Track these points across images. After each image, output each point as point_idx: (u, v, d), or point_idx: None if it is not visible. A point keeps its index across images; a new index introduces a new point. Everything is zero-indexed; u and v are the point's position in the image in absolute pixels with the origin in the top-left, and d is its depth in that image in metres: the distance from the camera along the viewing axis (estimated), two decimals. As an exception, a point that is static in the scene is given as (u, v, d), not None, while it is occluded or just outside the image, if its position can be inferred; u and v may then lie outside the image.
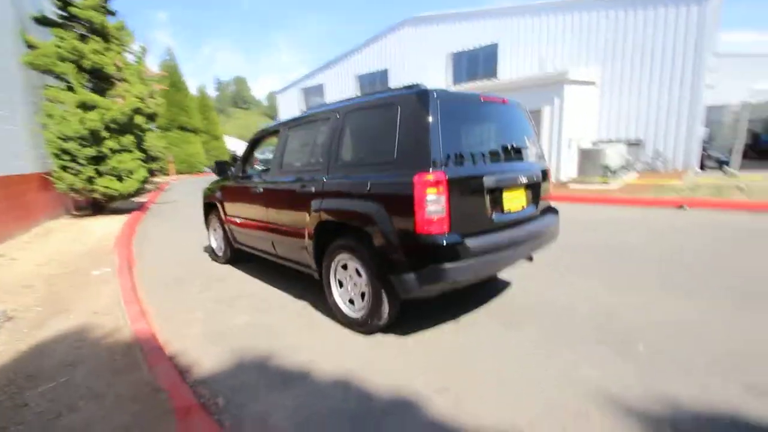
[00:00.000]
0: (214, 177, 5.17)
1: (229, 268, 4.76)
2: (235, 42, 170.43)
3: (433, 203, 2.32)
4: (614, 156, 11.46)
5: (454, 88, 18.33)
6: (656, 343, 2.55)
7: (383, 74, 21.39)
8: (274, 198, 3.60)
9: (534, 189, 3.03)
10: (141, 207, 10.01)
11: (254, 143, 4.29)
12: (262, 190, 3.74)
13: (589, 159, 11.35)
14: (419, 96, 2.47)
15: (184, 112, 25.61)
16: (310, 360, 2.54)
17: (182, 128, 25.70)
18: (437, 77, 19.55)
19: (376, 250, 2.58)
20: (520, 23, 16.71)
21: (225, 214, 4.56)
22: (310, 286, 3.91)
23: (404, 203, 2.38)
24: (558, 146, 12.66)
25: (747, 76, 13.90)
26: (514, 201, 2.81)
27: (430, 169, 2.34)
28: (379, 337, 2.81)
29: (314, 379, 2.33)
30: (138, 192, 8.95)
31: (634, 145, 13.95)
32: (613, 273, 3.93)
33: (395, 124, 2.53)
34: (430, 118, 2.40)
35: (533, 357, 2.47)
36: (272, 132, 4.01)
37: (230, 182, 4.47)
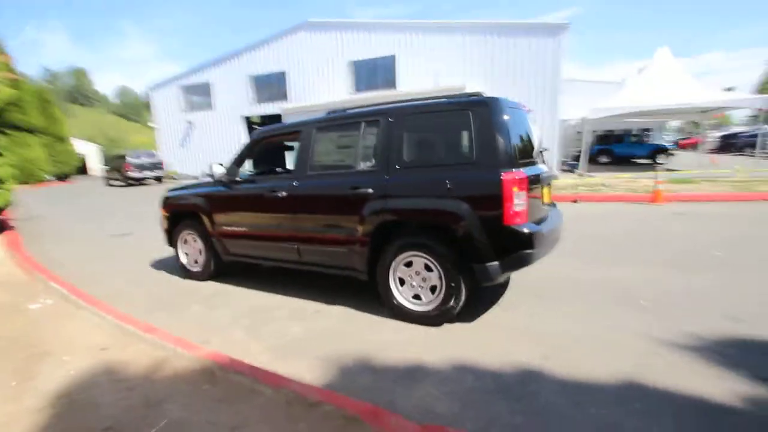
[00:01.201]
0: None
1: (213, 285, 4.28)
2: (70, 25, 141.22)
3: (517, 198, 2.68)
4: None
5: (355, 97, 18.93)
6: (656, 298, 3.37)
7: (281, 77, 20.72)
8: (305, 203, 3.46)
9: (550, 186, 3.64)
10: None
11: (254, 145, 3.99)
12: (284, 195, 3.54)
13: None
14: (493, 103, 2.80)
15: (17, 107, 20.51)
16: (405, 354, 2.63)
17: (15, 127, 20.56)
18: (338, 84, 19.86)
19: (458, 244, 2.81)
20: (415, 39, 18.17)
21: (213, 225, 4.09)
22: (329, 289, 3.87)
23: (491, 199, 2.69)
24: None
25: (587, 97, 17.70)
26: (547, 196, 3.36)
27: (513, 168, 2.70)
28: (447, 327, 3.03)
29: (431, 369, 2.45)
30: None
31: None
32: (579, 254, 4.85)
33: (470, 128, 2.80)
34: (505, 123, 2.76)
35: (578, 318, 3.03)
36: (287, 133, 3.81)
37: (219, 189, 4.05)
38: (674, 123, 38.63)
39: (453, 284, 2.88)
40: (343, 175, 3.32)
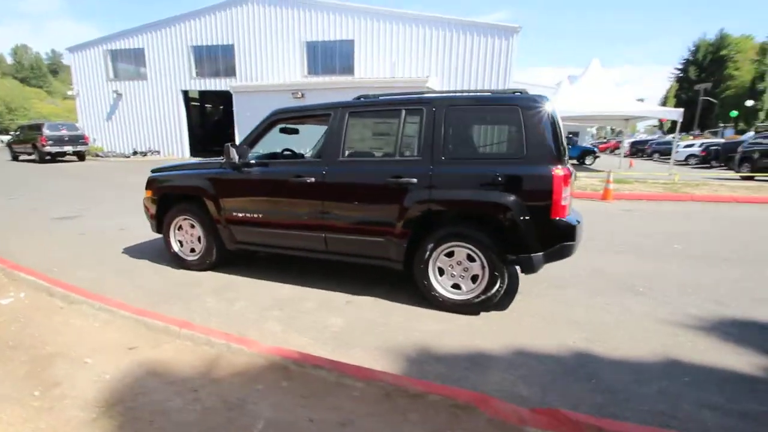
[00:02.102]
0: None
1: (213, 276, 3.96)
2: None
3: (564, 192, 2.84)
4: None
5: (308, 80, 18.32)
6: (646, 284, 3.79)
7: (228, 49, 19.31)
8: (337, 191, 3.33)
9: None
10: None
11: (271, 126, 3.72)
12: (312, 181, 3.37)
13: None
14: (543, 101, 2.92)
15: None
16: (461, 342, 2.69)
17: None
18: (291, 64, 19.04)
19: (505, 235, 2.91)
20: (374, 26, 17.99)
21: (220, 210, 3.76)
22: (350, 278, 3.80)
23: (542, 193, 2.82)
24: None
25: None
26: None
27: (560, 164, 2.85)
28: (485, 315, 3.15)
29: (492, 355, 2.54)
30: None
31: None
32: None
33: (520, 124, 2.90)
34: (554, 120, 2.90)
35: (595, 304, 3.33)
36: (314, 115, 3.60)
37: (227, 172, 3.73)
38: (590, 129, 42.81)
39: (496, 274, 2.99)
40: (382, 163, 3.24)
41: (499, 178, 2.90)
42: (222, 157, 4.08)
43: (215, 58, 19.48)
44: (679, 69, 54.18)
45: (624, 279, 3.96)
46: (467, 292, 3.13)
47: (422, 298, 3.32)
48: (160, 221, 4.16)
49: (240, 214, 3.72)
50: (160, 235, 5.25)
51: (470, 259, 3.08)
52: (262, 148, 4.59)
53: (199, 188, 3.83)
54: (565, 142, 3.01)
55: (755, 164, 13.29)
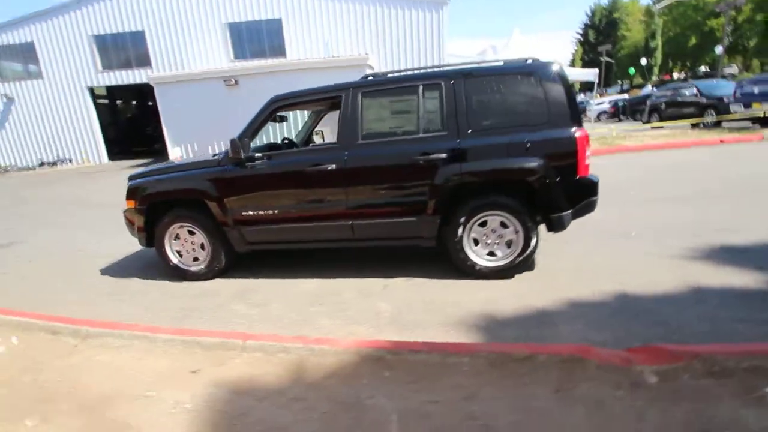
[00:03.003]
0: None
1: (224, 283, 3.69)
2: None
3: (587, 152, 3.04)
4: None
5: (238, 65, 17.11)
6: (629, 229, 4.22)
7: (138, 36, 17.29)
8: (361, 175, 3.22)
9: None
10: None
11: (272, 113, 3.45)
12: (333, 168, 3.22)
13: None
14: (557, 66, 3.05)
15: None
16: (516, 305, 2.82)
17: None
18: (214, 49, 17.61)
19: (536, 198, 3.06)
20: (302, 3, 17.15)
21: (225, 212, 3.46)
22: (371, 263, 3.76)
23: (568, 155, 2.99)
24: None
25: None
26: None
27: (580, 125, 3.03)
28: (520, 277, 3.31)
29: (551, 311, 2.70)
30: None
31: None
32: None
33: (539, 90, 3.02)
34: (569, 85, 3.06)
35: (604, 252, 3.66)
36: (320, 99, 3.40)
37: (228, 169, 3.43)
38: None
39: (530, 236, 3.15)
40: (407, 142, 3.19)
41: (528, 145, 3.01)
42: (215, 154, 3.76)
43: (123, 48, 17.32)
44: (579, 33, 58.88)
45: (610, 227, 4.35)
46: (503, 257, 3.26)
47: (453, 270, 3.40)
48: (151, 233, 3.73)
49: (251, 213, 3.46)
50: (136, 250, 4.79)
51: (503, 225, 3.20)
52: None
53: (200, 190, 3.47)
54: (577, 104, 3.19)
55: (662, 114, 15.10)
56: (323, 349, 2.23)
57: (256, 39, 17.71)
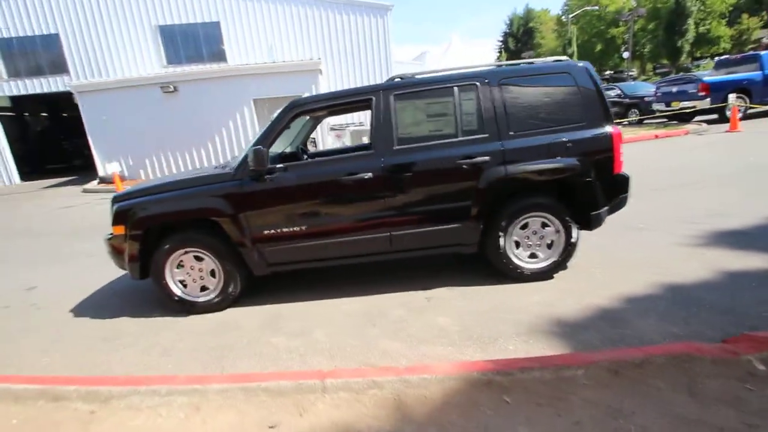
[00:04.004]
0: None
1: (243, 312, 3.25)
2: None
3: (621, 149, 3.12)
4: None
5: (173, 70, 15.78)
6: (636, 220, 4.45)
7: (51, 40, 15.26)
8: (401, 182, 3.00)
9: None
10: None
11: (291, 120, 3.10)
12: (370, 177, 2.97)
13: (361, 136, 13.41)
14: (588, 66, 3.10)
15: None
16: (577, 305, 2.79)
17: None
18: (144, 54, 16.10)
19: (577, 197, 3.07)
20: (241, 5, 16.29)
21: (243, 231, 3.04)
22: (409, 275, 3.56)
23: (605, 152, 3.05)
24: (322, 129, 13.94)
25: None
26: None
27: (612, 123, 3.10)
28: (558, 276, 3.30)
29: (614, 308, 2.70)
30: None
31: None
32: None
33: (575, 89, 3.04)
34: (600, 84, 3.11)
35: (622, 244, 3.80)
36: (349, 102, 3.12)
37: (244, 183, 3.02)
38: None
39: (571, 236, 3.15)
40: (447, 146, 3.03)
41: (568, 144, 3.01)
42: (221, 164, 3.32)
43: (33, 53, 15.08)
44: (500, 41, 63.03)
45: (619, 219, 4.54)
46: (545, 258, 3.23)
47: (488, 274, 3.35)
48: (146, 262, 3.17)
49: (274, 231, 3.08)
50: (109, 280, 4.12)
51: (544, 226, 3.17)
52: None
53: (214, 209, 3.01)
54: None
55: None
56: (422, 379, 1.99)
57: (192, 43, 16.45)
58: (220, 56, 16.54)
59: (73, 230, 7.22)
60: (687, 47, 33.35)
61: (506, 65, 3.24)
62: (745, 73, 11.46)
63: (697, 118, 12.38)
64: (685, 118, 12.37)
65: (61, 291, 4.08)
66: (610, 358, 1.99)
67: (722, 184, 5.54)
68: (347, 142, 14.12)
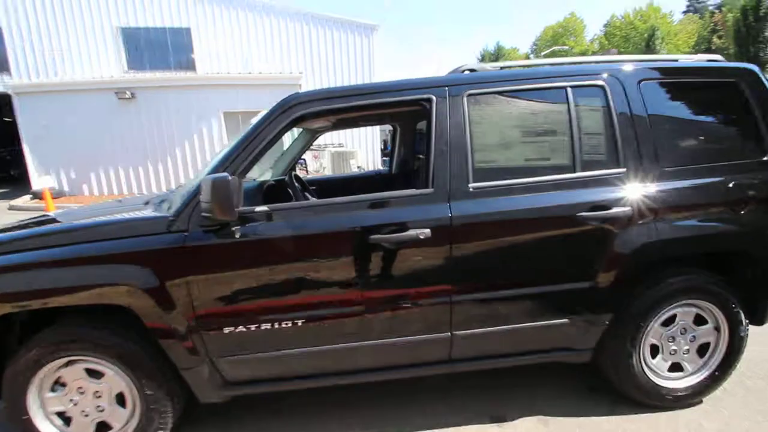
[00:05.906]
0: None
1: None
2: None
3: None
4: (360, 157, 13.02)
5: (132, 76, 14.10)
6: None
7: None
8: (480, 249, 1.70)
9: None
10: None
11: (288, 128, 1.74)
12: (427, 236, 1.63)
13: (343, 159, 12.21)
14: (761, 72, 1.97)
15: None
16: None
17: None
18: (101, 56, 14.36)
19: (751, 272, 1.89)
20: (216, 13, 15.02)
21: (186, 328, 1.61)
22: (438, 394, 2.19)
23: (801, 206, 1.88)
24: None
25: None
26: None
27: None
28: (710, 399, 2.06)
29: None
30: None
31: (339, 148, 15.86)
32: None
33: (748, 107, 1.89)
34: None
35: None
36: (376, 105, 1.79)
37: (197, 238, 1.61)
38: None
39: (739, 335, 1.93)
40: (558, 186, 1.76)
41: (750, 192, 1.83)
42: (147, 200, 1.95)
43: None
44: (473, 75, 64.83)
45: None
46: (693, 371, 1.98)
47: (595, 388, 2.05)
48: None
49: (243, 327, 1.65)
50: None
51: (698, 323, 1.94)
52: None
53: (122, 288, 1.56)
54: None
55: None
56: None
57: (159, 49, 14.84)
58: (189, 65, 15.01)
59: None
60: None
61: (647, 59, 2.05)
62: None
63: None
64: None
65: None
66: None
67: None
68: (326, 165, 12.87)
